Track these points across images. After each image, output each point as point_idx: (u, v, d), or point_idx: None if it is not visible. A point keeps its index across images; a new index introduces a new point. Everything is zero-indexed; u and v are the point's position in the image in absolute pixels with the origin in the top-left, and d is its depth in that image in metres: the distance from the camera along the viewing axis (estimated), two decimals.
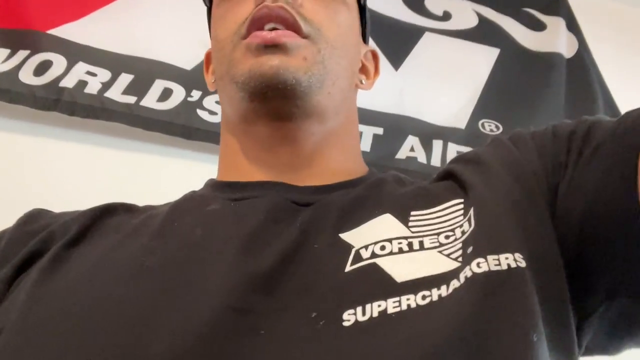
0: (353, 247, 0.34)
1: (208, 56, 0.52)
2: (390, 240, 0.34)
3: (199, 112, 0.91)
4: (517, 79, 1.18)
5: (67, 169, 0.82)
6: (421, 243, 0.34)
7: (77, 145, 0.84)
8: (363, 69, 0.51)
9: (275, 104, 0.41)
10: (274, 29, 0.41)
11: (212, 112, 0.92)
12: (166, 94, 0.91)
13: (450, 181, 0.40)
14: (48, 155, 0.82)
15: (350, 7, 0.48)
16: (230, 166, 0.46)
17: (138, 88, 0.90)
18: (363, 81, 0.51)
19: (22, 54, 0.88)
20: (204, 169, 0.87)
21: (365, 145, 0.98)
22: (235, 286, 0.32)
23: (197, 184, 0.84)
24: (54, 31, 0.93)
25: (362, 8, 0.51)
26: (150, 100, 0.89)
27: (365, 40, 0.53)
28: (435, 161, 1.00)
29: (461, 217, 0.35)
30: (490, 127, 1.11)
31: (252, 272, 0.32)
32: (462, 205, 0.36)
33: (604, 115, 1.11)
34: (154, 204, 0.45)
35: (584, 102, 1.16)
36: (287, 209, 0.39)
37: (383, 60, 1.11)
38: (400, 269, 0.32)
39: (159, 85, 0.92)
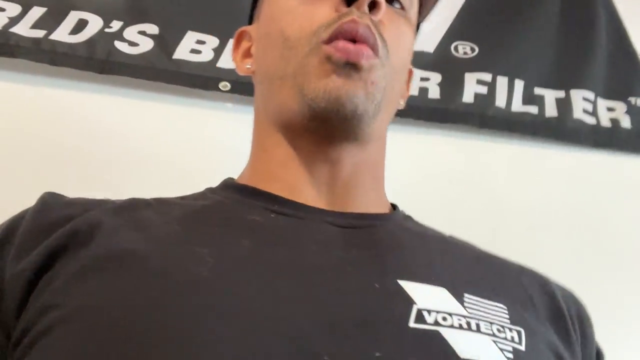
0: (415, 302, 0.34)
1: (242, 35, 0.51)
2: (450, 314, 0.34)
3: (117, 44, 0.82)
4: None
5: None
6: (478, 325, 0.35)
7: None
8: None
9: (335, 127, 0.41)
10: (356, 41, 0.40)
11: (132, 44, 0.83)
12: (80, 26, 0.82)
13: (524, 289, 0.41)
14: None
15: (413, 28, 0.48)
16: (268, 177, 0.44)
17: (49, 21, 0.82)
18: (401, 102, 0.50)
19: None
20: (121, 104, 0.81)
21: None
22: (306, 329, 0.31)
23: (115, 120, 0.76)
24: None
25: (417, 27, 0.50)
26: (61, 34, 0.81)
27: None
28: None
29: (507, 321, 0.36)
30: (464, 49, 0.98)
31: (318, 312, 0.32)
32: (506, 312, 0.37)
33: (602, 45, 0.98)
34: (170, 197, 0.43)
35: (582, 25, 1.00)
36: (335, 237, 0.39)
37: None
38: (462, 345, 0.33)
39: (73, 17, 0.83)
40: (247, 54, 0.50)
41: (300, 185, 0.43)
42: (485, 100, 0.90)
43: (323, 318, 0.32)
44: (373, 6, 0.41)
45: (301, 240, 0.37)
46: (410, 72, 0.52)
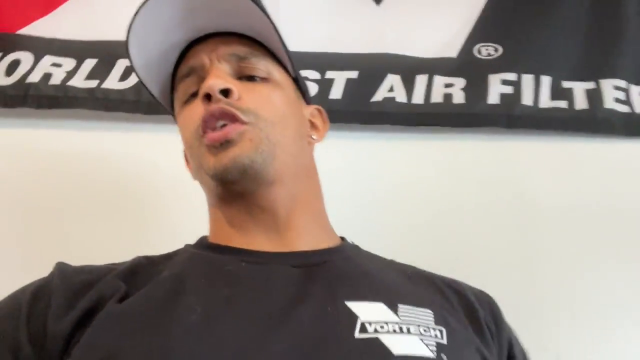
0: (358, 317, 0.44)
1: (186, 155, 0.61)
2: (386, 323, 0.44)
3: None
4: None
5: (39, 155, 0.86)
6: (408, 329, 0.44)
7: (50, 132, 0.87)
8: (313, 126, 0.61)
9: (241, 185, 0.51)
10: (223, 125, 0.50)
11: None
12: (127, 73, 0.91)
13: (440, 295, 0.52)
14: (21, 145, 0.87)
15: (282, 85, 0.57)
16: (227, 234, 0.54)
17: (101, 71, 0.92)
18: (314, 136, 0.60)
19: None
20: (170, 139, 0.89)
21: (337, 92, 0.92)
22: (277, 353, 0.40)
23: (164, 154, 0.84)
24: (23, 30, 0.97)
25: (295, 79, 0.60)
26: (111, 82, 0.90)
27: (307, 102, 0.63)
28: (418, 99, 0.92)
29: (432, 322, 0.46)
30: (487, 50, 0.99)
31: (286, 338, 0.41)
32: (432, 315, 0.47)
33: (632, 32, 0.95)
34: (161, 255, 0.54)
35: (609, 13, 0.98)
36: (294, 276, 0.48)
37: None
38: (395, 345, 0.42)
39: (121, 65, 0.93)
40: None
41: (251, 236, 0.53)
42: (512, 99, 0.90)
43: (288, 343, 0.41)
44: (226, 94, 0.51)
45: (267, 284, 0.47)
46: (320, 110, 0.63)
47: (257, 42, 0.57)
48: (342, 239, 0.59)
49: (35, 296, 0.45)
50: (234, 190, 0.52)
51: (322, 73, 0.95)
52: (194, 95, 0.54)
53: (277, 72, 0.57)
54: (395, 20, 1.02)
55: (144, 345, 0.40)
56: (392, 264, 0.57)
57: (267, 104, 0.53)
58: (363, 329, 0.43)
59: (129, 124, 0.89)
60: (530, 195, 0.86)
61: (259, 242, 0.52)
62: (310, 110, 0.62)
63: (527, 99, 0.90)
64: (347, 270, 0.51)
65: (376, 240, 0.81)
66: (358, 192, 0.87)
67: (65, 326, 0.43)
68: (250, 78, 0.55)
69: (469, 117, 0.89)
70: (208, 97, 0.51)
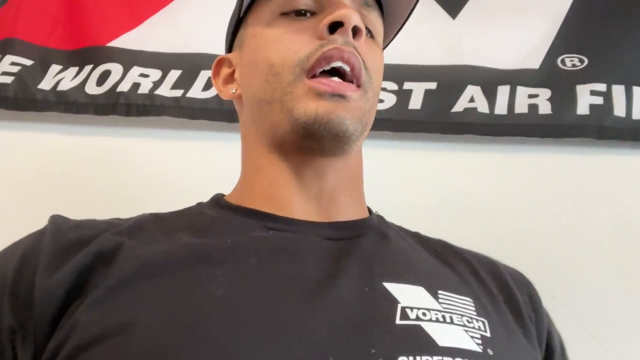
0: (399, 302, 0.39)
1: (221, 62, 0.54)
2: (429, 310, 0.39)
3: None
4: (605, 3, 1.00)
5: (127, 162, 0.89)
6: (451, 318, 0.40)
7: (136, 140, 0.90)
8: None
9: (327, 144, 0.45)
10: (337, 72, 0.44)
11: None
12: (210, 83, 0.94)
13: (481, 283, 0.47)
14: (112, 151, 0.90)
15: (381, 48, 0.52)
16: (261, 196, 0.47)
17: (185, 81, 0.95)
18: None
19: (87, 68, 0.98)
20: None
21: (416, 102, 0.91)
22: (313, 333, 0.36)
23: None
24: (113, 43, 1.01)
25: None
26: (195, 91, 0.93)
27: None
28: (501, 109, 0.89)
29: (474, 313, 0.42)
30: (572, 62, 0.96)
31: (321, 318, 0.37)
32: (473, 305, 0.43)
33: None
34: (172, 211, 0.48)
35: None
36: (327, 249, 0.43)
37: (438, 9, 1.03)
38: (440, 335, 0.38)
39: (203, 76, 0.95)
40: (229, 79, 0.53)
41: (291, 201, 0.46)
42: (602, 110, 0.87)
43: (325, 322, 0.36)
44: (355, 32, 0.44)
45: (299, 255, 0.41)
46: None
47: None
48: (370, 212, 0.53)
49: (23, 258, 0.40)
50: (308, 146, 0.45)
51: (400, 84, 0.94)
52: (299, 14, 0.46)
53: (381, 35, 0.51)
54: (472, 32, 1.00)
55: (165, 316, 0.35)
56: (419, 238, 0.52)
57: (379, 70, 0.49)
58: (404, 315, 0.38)
59: (212, 132, 0.90)
60: (627, 209, 0.81)
61: (293, 208, 0.46)
62: None
63: (619, 110, 0.86)
64: (382, 248, 0.46)
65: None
66: (436, 203, 0.85)
67: (56, 285, 0.37)
68: (367, 31, 0.48)
69: (557, 127, 0.86)
70: (333, 29, 0.44)
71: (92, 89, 0.95)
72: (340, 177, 0.48)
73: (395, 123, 0.89)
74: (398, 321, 0.38)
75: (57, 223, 0.43)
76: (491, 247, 0.80)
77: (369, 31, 0.49)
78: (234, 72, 0.53)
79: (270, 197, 0.47)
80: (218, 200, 0.50)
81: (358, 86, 0.45)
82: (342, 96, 0.43)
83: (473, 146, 0.88)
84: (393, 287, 0.40)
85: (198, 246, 0.41)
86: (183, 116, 0.91)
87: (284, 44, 0.45)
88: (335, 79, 0.44)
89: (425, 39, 1.00)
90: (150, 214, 0.47)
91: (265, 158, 0.48)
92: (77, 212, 0.83)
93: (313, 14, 0.47)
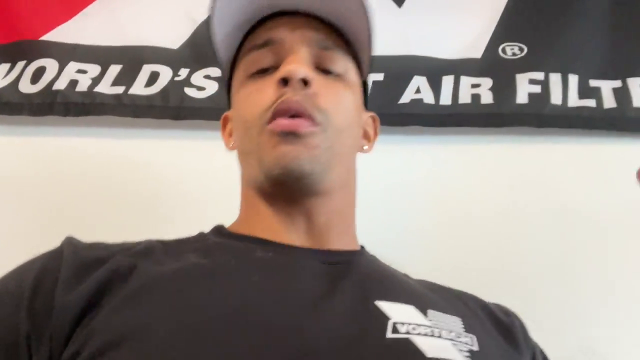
0: (390, 318, 0.43)
1: (226, 119, 0.60)
2: (418, 325, 0.43)
3: (187, 90, 0.90)
4: None
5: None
6: (440, 333, 0.43)
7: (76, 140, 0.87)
8: (364, 135, 0.60)
9: (294, 188, 0.49)
10: (293, 115, 0.48)
11: (200, 88, 0.91)
12: (153, 78, 0.91)
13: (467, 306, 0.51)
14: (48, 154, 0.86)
15: (354, 87, 0.55)
16: (258, 228, 0.51)
17: (126, 77, 0.91)
18: (365, 147, 0.59)
19: (20, 65, 0.93)
20: (195, 147, 0.88)
21: None
22: (310, 346, 0.39)
23: (190, 162, 0.84)
24: (46, 36, 0.96)
25: (364, 82, 0.58)
26: (138, 87, 0.90)
27: (366, 107, 0.60)
28: (446, 99, 0.91)
29: (463, 329, 0.45)
30: (512, 50, 0.98)
31: (319, 332, 0.40)
32: (462, 323, 0.46)
33: None
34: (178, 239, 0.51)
35: (635, 11, 0.98)
36: (322, 270, 0.47)
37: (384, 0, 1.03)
38: (428, 347, 0.41)
39: (146, 70, 0.92)
40: (231, 133, 0.59)
41: (284, 233, 0.51)
42: (541, 99, 0.90)
43: (324, 335, 0.40)
44: (306, 83, 0.49)
45: (297, 273, 0.46)
46: (374, 119, 0.62)
47: (338, 33, 0.54)
48: (362, 247, 0.58)
49: (42, 273, 0.43)
50: (281, 192, 0.50)
51: None
52: (263, 71, 0.52)
53: (352, 72, 0.55)
54: (417, 21, 1.01)
55: (179, 324, 0.38)
56: (408, 276, 0.57)
57: (340, 107, 0.51)
58: (395, 330, 0.42)
59: (157, 130, 0.88)
60: (562, 195, 0.85)
61: (289, 238, 0.51)
62: (366, 118, 0.61)
63: (555, 98, 0.90)
64: (374, 272, 0.51)
65: (400, 244, 0.81)
66: (384, 196, 0.87)
67: (76, 298, 0.41)
68: (326, 71, 0.52)
69: (499, 117, 0.89)
70: (285, 82, 0.48)
71: (26, 87, 0.90)
72: (328, 214, 0.52)
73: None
74: (389, 335, 0.41)
75: (73, 243, 0.47)
76: (434, 236, 0.83)
77: (329, 72, 0.52)
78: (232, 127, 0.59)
79: (266, 228, 0.51)
80: (220, 230, 0.54)
81: (314, 124, 0.48)
82: (295, 134, 0.47)
83: (418, 137, 0.89)
84: (385, 306, 0.44)
85: (205, 264, 0.45)
86: (126, 114, 0.88)
87: (251, 101, 0.51)
88: (288, 118, 0.48)
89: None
90: (157, 240, 0.50)
91: (255, 200, 0.53)
92: (21, 217, 0.79)
93: (276, 67, 0.51)
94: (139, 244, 0.48)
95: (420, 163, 0.89)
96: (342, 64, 0.53)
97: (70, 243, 0.46)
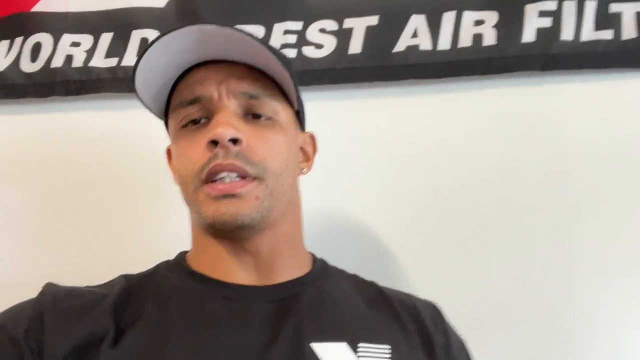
0: None
1: (169, 152, 0.61)
2: None
3: None
4: None
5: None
6: None
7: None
8: (304, 154, 0.61)
9: (235, 235, 0.53)
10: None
11: None
12: (143, 46, 0.90)
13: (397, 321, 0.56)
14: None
15: (286, 126, 0.56)
16: (209, 265, 0.55)
17: (118, 47, 0.91)
18: (304, 170, 0.61)
19: (17, 42, 0.95)
20: None
21: (356, 45, 0.87)
22: None
23: None
24: (37, 7, 0.96)
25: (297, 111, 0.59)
26: (130, 58, 0.90)
27: (303, 128, 0.62)
28: (444, 43, 0.85)
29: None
30: None
31: None
32: (389, 352, 0.52)
33: None
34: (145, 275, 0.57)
35: None
36: (268, 312, 0.52)
37: None
38: None
39: (135, 38, 0.92)
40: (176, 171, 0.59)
41: (234, 271, 0.55)
42: (549, 35, 0.82)
43: None
44: (235, 142, 0.50)
45: (245, 322, 0.50)
46: (312, 138, 0.63)
47: (264, 73, 0.55)
48: (312, 256, 0.61)
49: (31, 319, 0.48)
50: (224, 235, 0.54)
51: (340, 22, 0.89)
52: (195, 122, 0.54)
53: (283, 112, 0.56)
54: None
55: None
56: (355, 283, 0.60)
57: (274, 153, 0.53)
58: None
59: None
60: (568, 142, 0.81)
61: (239, 276, 0.55)
62: (304, 138, 0.62)
63: (567, 33, 0.82)
64: (316, 304, 0.54)
65: (398, 204, 0.83)
66: (380, 154, 0.86)
67: (62, 351, 0.46)
68: (256, 116, 0.54)
69: (501, 61, 0.83)
70: (215, 143, 0.51)
71: (27, 66, 0.93)
72: (272, 246, 0.55)
73: (334, 73, 0.87)
74: None
75: (52, 290, 0.52)
76: (436, 193, 0.84)
77: (263, 116, 0.54)
78: None
79: (216, 268, 0.55)
80: (180, 263, 0.58)
81: (251, 180, 0.51)
82: (233, 195, 0.50)
83: (415, 89, 0.86)
84: (319, 347, 0.50)
85: (161, 325, 0.50)
86: (121, 90, 0.90)
87: (184, 158, 0.53)
88: (224, 182, 0.51)
89: None
90: (125, 279, 0.55)
91: (204, 239, 0.56)
92: (29, 198, 0.87)
93: (208, 118, 0.53)
94: (110, 291, 0.52)
95: (417, 116, 0.87)
96: (271, 107, 0.55)
97: (50, 291, 0.51)
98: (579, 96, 0.82)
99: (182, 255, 0.59)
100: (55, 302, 0.50)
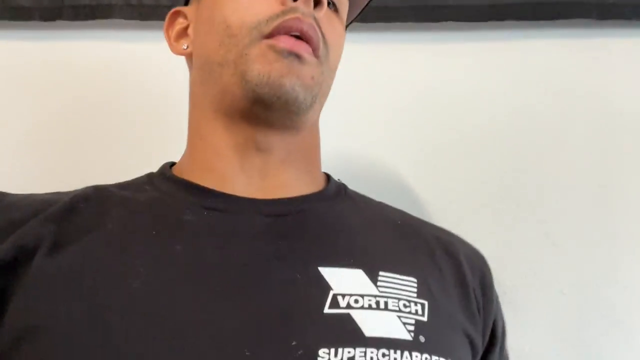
0: (331, 289, 0.38)
1: (175, 15, 0.52)
2: (362, 296, 0.39)
3: None
4: None
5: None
6: (386, 303, 0.39)
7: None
8: None
9: (275, 113, 0.43)
10: (297, 36, 0.42)
11: None
12: None
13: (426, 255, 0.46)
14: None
15: (343, 25, 0.50)
16: (202, 167, 0.46)
17: None
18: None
19: None
20: None
21: None
22: (229, 327, 0.35)
23: None
24: None
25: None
26: None
27: None
28: None
29: (414, 295, 0.41)
30: None
31: (242, 310, 0.36)
32: (415, 286, 0.42)
33: None
34: (115, 184, 0.46)
35: None
36: (264, 229, 0.41)
37: None
38: (369, 324, 0.37)
39: None
40: (183, 34, 0.50)
41: (232, 175, 0.45)
42: None
43: (246, 315, 0.36)
44: (317, 3, 0.43)
45: (230, 239, 0.40)
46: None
47: None
48: (328, 177, 0.52)
49: None
50: (256, 113, 0.43)
51: None
52: None
53: (344, 10, 0.50)
54: None
55: (77, 315, 0.34)
56: (380, 210, 0.51)
57: (338, 47, 0.47)
58: (334, 303, 0.38)
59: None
60: (618, 104, 0.73)
61: (235, 182, 0.45)
62: None
63: None
64: (325, 224, 0.44)
65: (433, 157, 0.75)
66: (413, 104, 0.79)
67: None
68: (331, 3, 0.47)
69: (551, 7, 0.75)
70: None
71: None
72: (289, 152, 0.47)
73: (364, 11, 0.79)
74: (326, 310, 0.37)
75: None
76: (472, 149, 0.76)
77: (333, 4, 0.47)
78: (187, 26, 0.51)
79: (212, 169, 0.46)
80: (164, 172, 0.49)
81: (316, 55, 0.44)
82: (298, 56, 0.42)
83: (451, 35, 0.78)
84: (328, 272, 0.39)
85: (121, 234, 0.40)
86: (133, 17, 0.83)
87: (243, 5, 0.44)
88: (295, 39, 0.43)
89: None
90: (94, 188, 0.45)
91: (210, 125, 0.46)
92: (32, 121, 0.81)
93: None
94: (67, 195, 0.43)
95: (452, 66, 0.79)
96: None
97: None
98: (637, 51, 0.74)
99: (167, 165, 0.50)
100: None
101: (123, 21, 0.83)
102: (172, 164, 0.51)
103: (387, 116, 0.79)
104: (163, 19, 0.81)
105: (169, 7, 0.81)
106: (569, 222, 0.71)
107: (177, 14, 0.52)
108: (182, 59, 0.81)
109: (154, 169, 0.78)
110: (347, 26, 0.54)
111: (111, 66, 0.85)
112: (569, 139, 0.74)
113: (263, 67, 0.41)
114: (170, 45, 0.51)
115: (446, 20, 0.77)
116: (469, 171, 0.75)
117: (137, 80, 0.84)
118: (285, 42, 0.41)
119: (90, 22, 0.84)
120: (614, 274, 0.69)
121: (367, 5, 0.55)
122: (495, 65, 0.77)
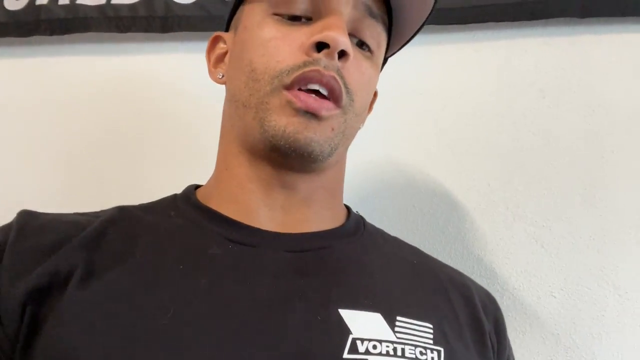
0: (351, 333, 0.38)
1: (217, 40, 0.51)
2: (380, 342, 0.39)
3: None
4: None
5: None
6: (403, 350, 0.39)
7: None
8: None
9: (293, 162, 0.44)
10: (316, 91, 0.42)
11: None
12: None
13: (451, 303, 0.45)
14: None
15: (378, 67, 0.49)
16: (227, 197, 0.46)
17: None
18: (361, 126, 0.50)
19: None
20: (187, 60, 0.82)
21: None
22: None
23: (183, 76, 0.78)
24: None
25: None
26: None
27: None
28: None
29: (430, 342, 0.41)
30: None
31: (263, 348, 0.36)
32: (431, 332, 0.42)
33: None
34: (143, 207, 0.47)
35: None
36: (287, 265, 0.42)
37: None
38: None
39: None
40: (221, 59, 0.50)
41: (256, 208, 0.45)
42: None
43: (265, 356, 0.36)
44: (342, 55, 0.42)
45: (254, 274, 0.40)
46: (376, 94, 0.53)
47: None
48: (348, 210, 0.52)
49: None
50: (275, 159, 0.44)
51: None
52: (292, 18, 0.44)
53: (382, 48, 0.48)
54: None
55: (108, 350, 0.35)
56: (397, 247, 0.51)
57: (364, 91, 0.46)
58: (353, 349, 0.37)
59: (145, 44, 0.82)
60: (604, 99, 0.72)
61: (259, 215, 0.45)
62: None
63: None
64: (345, 262, 0.44)
65: (421, 160, 0.74)
66: (399, 106, 0.78)
67: (19, 292, 0.37)
68: (360, 44, 0.46)
69: (533, 5, 0.73)
70: (320, 48, 0.42)
71: (10, 2, 0.85)
72: (313, 191, 0.47)
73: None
74: (345, 355, 0.37)
75: (21, 222, 0.42)
76: (464, 148, 0.75)
77: (366, 45, 0.46)
78: (227, 52, 0.50)
79: (236, 201, 0.46)
80: (188, 197, 0.48)
81: (338, 106, 0.43)
82: (315, 115, 0.42)
83: (436, 37, 0.77)
84: (348, 315, 0.39)
85: (149, 267, 0.40)
86: (110, 29, 0.81)
87: (269, 51, 0.43)
88: (314, 96, 0.42)
89: None
90: (119, 211, 0.45)
91: (236, 159, 0.47)
92: (16, 139, 0.80)
93: (309, 18, 0.44)
94: (96, 218, 0.44)
95: (439, 66, 0.78)
96: (378, 38, 0.46)
97: (18, 224, 0.41)
98: (620, 47, 0.73)
99: (192, 189, 0.50)
100: (18, 237, 0.40)
101: (101, 34, 0.82)
102: (197, 186, 0.51)
103: (371, 117, 0.78)
104: (141, 30, 0.81)
105: (147, 18, 0.81)
106: (558, 225, 0.70)
107: (218, 39, 0.51)
108: (158, 73, 0.82)
109: (136, 187, 0.77)
110: (394, 53, 0.53)
111: (89, 80, 0.83)
112: (559, 141, 0.73)
113: (280, 119, 0.42)
114: (209, 70, 0.51)
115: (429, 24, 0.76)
116: (457, 174, 0.75)
117: (116, 92, 0.83)
118: (302, 102, 0.41)
119: (66, 36, 0.82)
120: (604, 277, 0.68)
121: (419, 29, 0.52)
122: (481, 67, 0.76)
